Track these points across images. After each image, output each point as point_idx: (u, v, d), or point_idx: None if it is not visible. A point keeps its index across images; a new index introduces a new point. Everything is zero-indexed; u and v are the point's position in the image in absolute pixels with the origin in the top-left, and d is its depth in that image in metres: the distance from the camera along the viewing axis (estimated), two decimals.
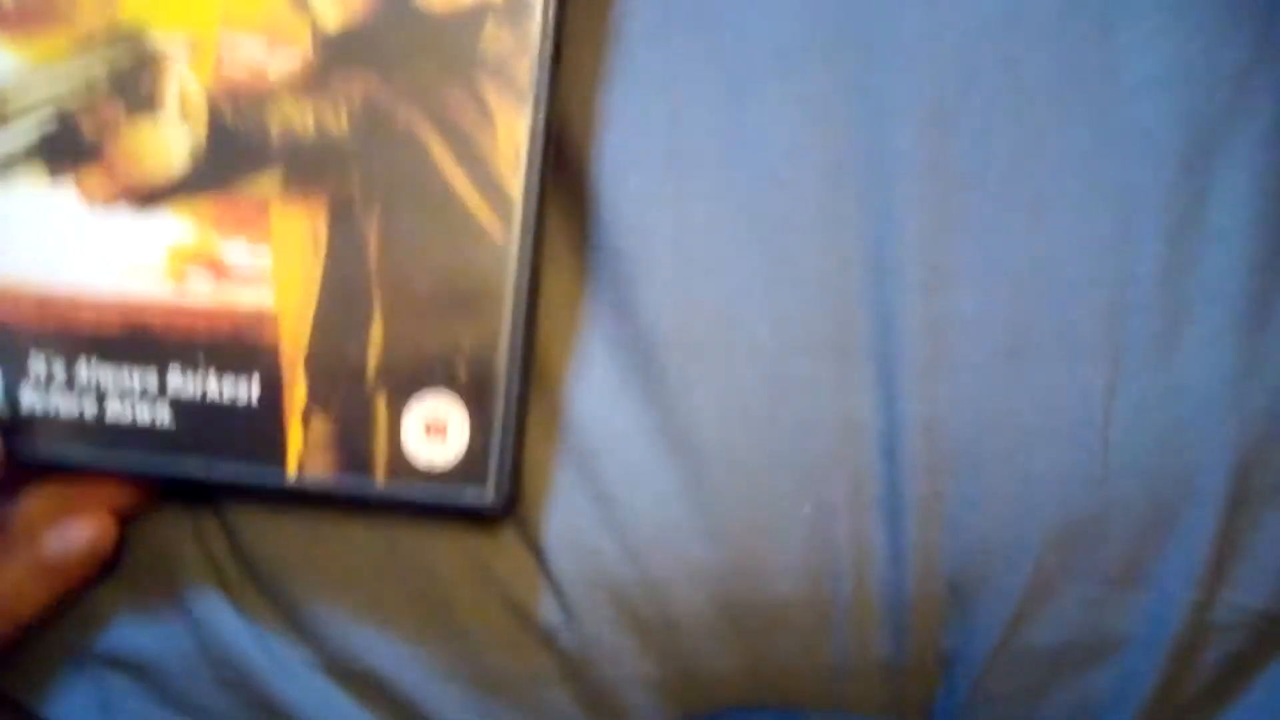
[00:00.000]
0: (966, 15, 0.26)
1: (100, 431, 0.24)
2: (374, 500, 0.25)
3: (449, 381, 0.24)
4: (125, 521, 0.26)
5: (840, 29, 0.26)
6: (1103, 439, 0.26)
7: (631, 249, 0.26)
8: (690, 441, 0.25)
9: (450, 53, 0.24)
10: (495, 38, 0.24)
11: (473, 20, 0.24)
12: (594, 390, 0.26)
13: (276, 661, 0.27)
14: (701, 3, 0.26)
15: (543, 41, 0.24)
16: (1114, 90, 0.26)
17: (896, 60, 0.26)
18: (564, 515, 0.26)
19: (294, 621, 0.27)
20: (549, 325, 0.26)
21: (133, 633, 0.27)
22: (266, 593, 0.27)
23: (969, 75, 0.26)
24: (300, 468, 0.24)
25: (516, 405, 0.24)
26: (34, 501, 0.25)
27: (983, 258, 0.26)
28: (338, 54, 0.24)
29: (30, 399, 0.25)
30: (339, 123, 0.24)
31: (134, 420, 0.24)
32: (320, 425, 0.24)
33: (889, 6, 0.26)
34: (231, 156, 0.24)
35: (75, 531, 0.25)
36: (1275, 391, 0.26)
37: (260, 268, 0.24)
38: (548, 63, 0.24)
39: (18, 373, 0.25)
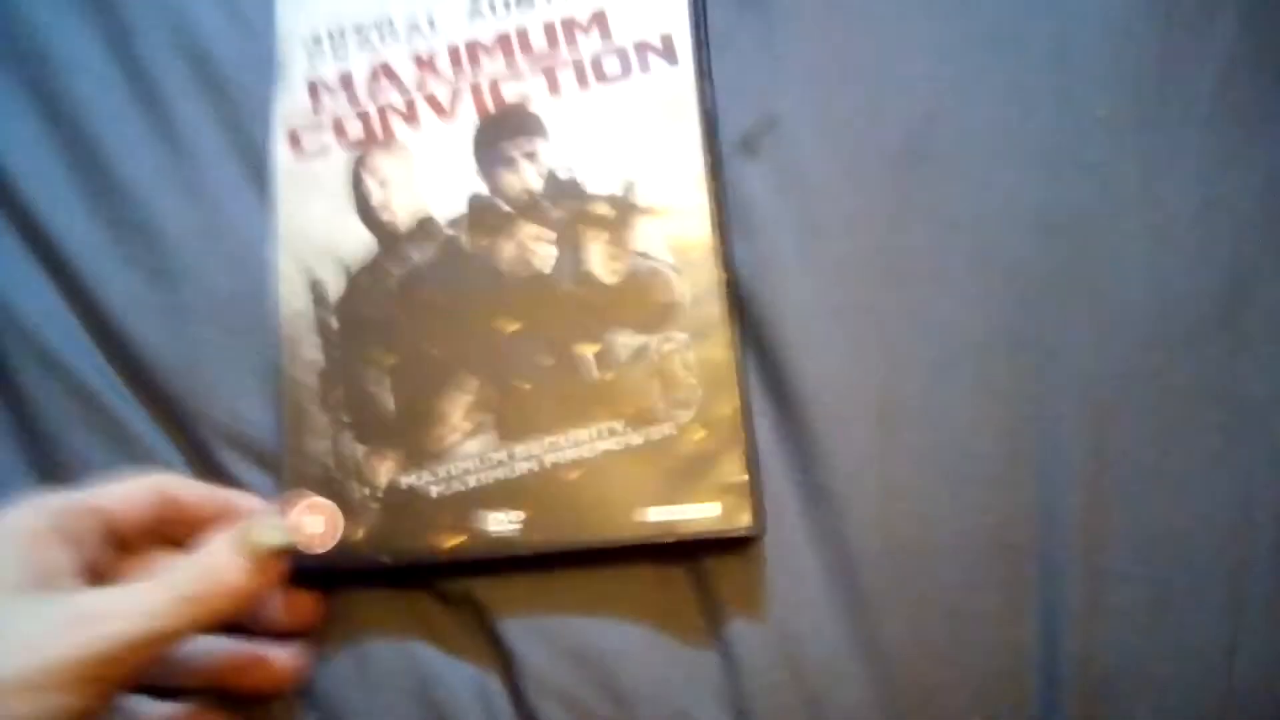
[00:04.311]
0: (1124, 328, 0.33)
1: None
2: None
3: None
4: None
5: (1021, 331, 0.34)
6: (1228, 687, 0.31)
7: (843, 489, 0.33)
8: (885, 661, 0.31)
9: None
10: None
11: None
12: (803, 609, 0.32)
13: None
14: (910, 302, 0.34)
15: None
16: (1240, 403, 0.33)
17: (1067, 362, 0.33)
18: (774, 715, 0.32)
19: None
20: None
21: None
22: None
23: (1125, 380, 0.33)
24: None
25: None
26: None
27: (1131, 526, 0.32)
28: None
29: None
30: None
31: None
32: None
33: (1060, 318, 0.34)
34: None
35: None
36: None
37: None
38: None
39: None
